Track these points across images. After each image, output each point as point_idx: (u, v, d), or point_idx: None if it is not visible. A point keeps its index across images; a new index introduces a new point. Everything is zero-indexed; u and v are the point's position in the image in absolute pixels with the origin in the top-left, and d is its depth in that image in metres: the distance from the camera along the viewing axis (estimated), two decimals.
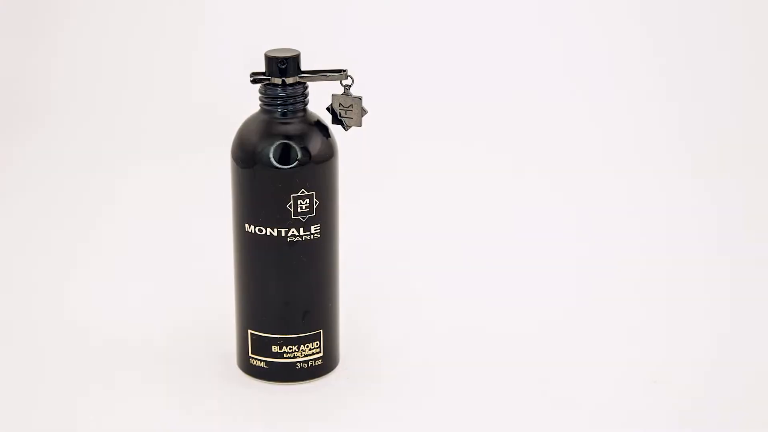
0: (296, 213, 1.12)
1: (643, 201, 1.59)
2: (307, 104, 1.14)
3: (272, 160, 1.12)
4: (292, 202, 1.12)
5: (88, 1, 1.85)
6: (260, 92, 1.14)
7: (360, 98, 1.15)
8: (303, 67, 1.14)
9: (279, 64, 1.12)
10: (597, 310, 1.32)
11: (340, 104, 1.15)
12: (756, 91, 1.80)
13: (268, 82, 1.13)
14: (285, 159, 1.12)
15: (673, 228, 1.52)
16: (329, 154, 1.14)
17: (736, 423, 1.12)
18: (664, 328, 1.28)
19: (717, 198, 1.59)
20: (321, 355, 1.17)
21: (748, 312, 1.31)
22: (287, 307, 1.15)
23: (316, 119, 1.14)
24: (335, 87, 1.16)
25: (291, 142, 1.12)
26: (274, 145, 1.12)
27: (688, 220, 1.54)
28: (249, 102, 1.19)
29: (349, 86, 1.15)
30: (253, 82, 1.13)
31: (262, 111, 1.14)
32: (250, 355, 1.17)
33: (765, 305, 1.33)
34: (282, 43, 1.24)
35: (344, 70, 1.14)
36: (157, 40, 1.85)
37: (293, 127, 1.13)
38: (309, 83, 1.14)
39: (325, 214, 1.14)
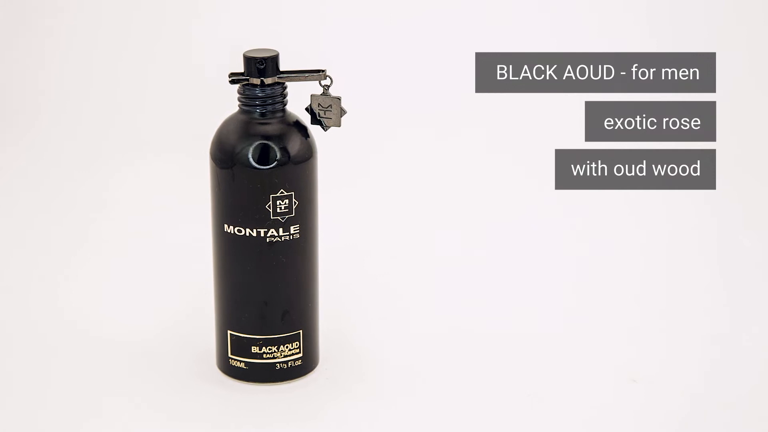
0: (275, 213, 1.12)
1: (641, 200, 1.59)
2: (286, 104, 1.14)
3: (251, 160, 1.12)
4: (271, 202, 1.12)
5: (79, 3, 1.84)
6: (239, 92, 1.13)
7: (339, 98, 1.15)
8: (282, 68, 1.13)
9: (258, 65, 1.12)
10: (594, 309, 1.33)
11: (319, 104, 1.15)
12: (756, 91, 1.79)
13: (246, 82, 1.13)
14: (264, 159, 1.12)
15: (672, 227, 1.52)
16: (308, 154, 1.14)
17: (736, 423, 1.12)
18: (663, 329, 1.28)
19: (717, 197, 1.59)
20: (300, 355, 1.17)
21: (748, 312, 1.32)
22: (266, 308, 1.15)
23: (295, 119, 1.14)
24: (314, 87, 1.16)
25: (270, 143, 1.12)
26: (253, 146, 1.12)
27: (688, 220, 1.54)
28: (229, 102, 1.19)
29: (328, 86, 1.15)
30: (232, 82, 1.13)
31: (241, 111, 1.14)
32: (229, 355, 1.17)
33: (765, 305, 1.33)
34: (261, 43, 1.24)
35: (323, 71, 1.14)
36: (145, 40, 1.84)
37: (272, 127, 1.13)
38: (288, 83, 1.14)
39: (304, 215, 1.14)
